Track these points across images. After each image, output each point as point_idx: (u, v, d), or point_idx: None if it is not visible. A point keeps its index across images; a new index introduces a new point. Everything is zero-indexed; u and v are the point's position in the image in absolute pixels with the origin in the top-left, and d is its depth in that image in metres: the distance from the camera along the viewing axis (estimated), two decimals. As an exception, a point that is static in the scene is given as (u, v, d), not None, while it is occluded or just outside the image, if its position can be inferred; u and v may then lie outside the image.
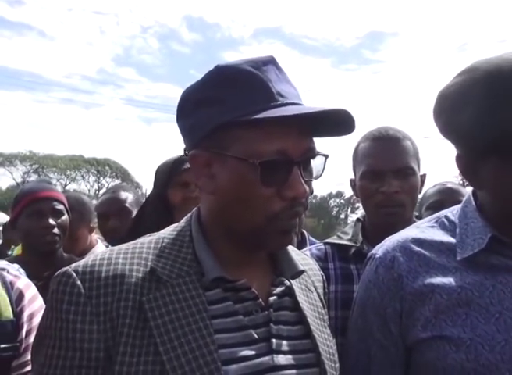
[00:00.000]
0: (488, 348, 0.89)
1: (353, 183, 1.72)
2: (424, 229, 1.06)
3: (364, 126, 1.71)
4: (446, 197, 2.16)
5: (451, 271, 0.97)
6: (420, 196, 2.32)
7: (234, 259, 0.90)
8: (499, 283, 0.93)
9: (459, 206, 1.06)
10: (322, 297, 1.06)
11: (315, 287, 1.05)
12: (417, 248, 1.02)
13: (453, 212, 1.07)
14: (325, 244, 1.71)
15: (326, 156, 0.89)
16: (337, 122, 0.84)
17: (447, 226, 1.04)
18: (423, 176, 1.67)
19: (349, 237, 1.68)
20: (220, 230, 0.89)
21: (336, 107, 0.81)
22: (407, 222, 1.61)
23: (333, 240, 1.72)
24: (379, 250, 1.08)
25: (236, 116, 0.81)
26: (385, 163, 1.57)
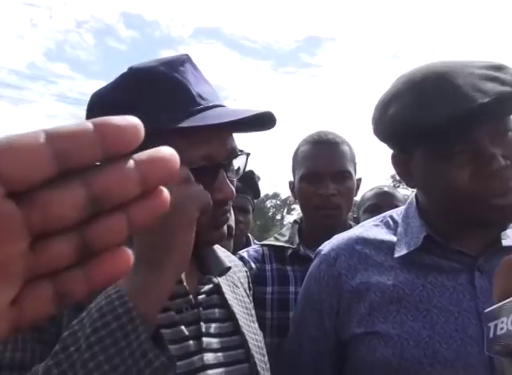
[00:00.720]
0: (413, 344, 0.93)
1: (292, 185, 1.75)
2: (368, 228, 1.10)
3: (302, 129, 1.74)
4: (382, 200, 2.23)
5: (387, 269, 1.01)
6: (357, 199, 2.39)
7: None
8: (429, 283, 0.97)
9: (405, 207, 1.11)
10: (248, 292, 1.08)
11: (241, 283, 1.06)
12: (359, 247, 1.06)
13: (397, 212, 1.12)
14: (263, 245, 1.73)
15: (248, 154, 0.89)
16: (258, 120, 0.83)
17: (391, 226, 1.08)
18: (358, 180, 1.72)
19: (286, 238, 1.70)
20: None
21: (259, 111, 0.81)
22: (342, 224, 1.66)
23: (270, 242, 1.73)
24: (326, 247, 1.12)
25: (159, 124, 0.76)
26: (324, 166, 1.61)
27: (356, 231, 1.11)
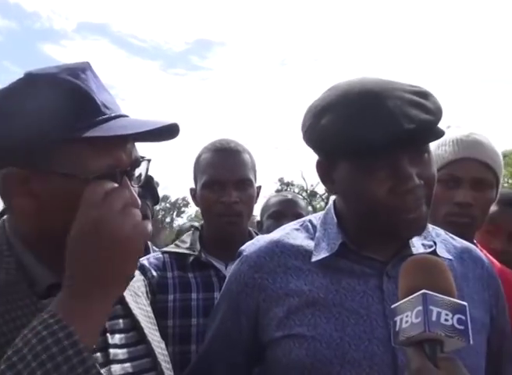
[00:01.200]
0: (325, 345, 0.99)
1: (193, 192, 1.75)
2: (289, 231, 1.14)
3: (192, 132, 1.76)
4: (285, 208, 2.29)
5: (304, 273, 1.05)
6: (262, 203, 2.45)
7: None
8: (342, 287, 1.03)
9: (323, 212, 1.16)
10: (148, 302, 1.09)
11: (142, 292, 1.06)
12: (279, 250, 1.09)
13: (316, 217, 1.17)
14: (163, 253, 1.72)
15: (149, 160, 0.90)
16: (162, 130, 0.84)
17: (310, 230, 1.13)
18: (258, 188, 1.77)
19: (187, 245, 1.71)
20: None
21: (166, 122, 0.83)
22: (243, 231, 1.70)
23: (171, 248, 1.73)
24: (248, 247, 1.14)
25: (61, 133, 0.77)
26: (227, 174, 1.63)
27: (277, 234, 1.14)
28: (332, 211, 1.12)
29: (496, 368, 1.13)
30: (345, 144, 0.97)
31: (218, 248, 1.68)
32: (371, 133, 0.93)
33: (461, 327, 0.76)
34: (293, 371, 1.00)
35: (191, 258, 1.65)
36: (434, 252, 1.07)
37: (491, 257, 1.60)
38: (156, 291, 1.59)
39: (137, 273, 1.12)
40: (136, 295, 1.02)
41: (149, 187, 2.31)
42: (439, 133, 0.99)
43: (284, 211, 2.27)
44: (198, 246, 1.69)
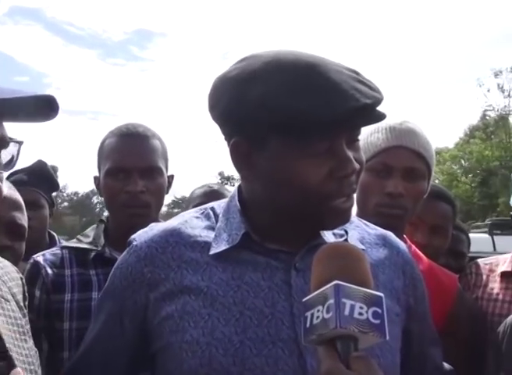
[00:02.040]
0: (222, 352, 0.87)
1: (97, 181, 1.60)
2: (188, 219, 1.01)
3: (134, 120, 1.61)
4: (211, 199, 2.17)
5: (202, 267, 0.93)
6: (187, 195, 2.32)
7: None
8: (244, 283, 0.92)
9: (227, 200, 1.04)
10: (22, 304, 0.95)
11: (13, 295, 0.93)
12: (173, 239, 0.96)
13: (220, 204, 1.04)
14: (63, 248, 1.56)
15: (20, 143, 0.77)
16: (36, 107, 0.71)
17: (211, 219, 1.01)
18: (170, 177, 1.64)
19: (89, 240, 1.56)
20: None
21: (32, 93, 0.70)
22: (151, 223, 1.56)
23: (71, 243, 1.58)
24: (138, 237, 1.01)
25: None
26: (132, 161, 1.49)
27: (174, 222, 1.01)
28: (236, 198, 0.99)
29: (419, 354, 1.08)
30: (285, 118, 0.83)
31: (123, 243, 1.53)
32: (318, 107, 0.82)
33: (377, 322, 0.69)
34: None
35: (93, 253, 1.50)
36: (345, 241, 0.98)
37: (419, 252, 1.56)
38: (51, 291, 1.44)
39: (13, 270, 0.99)
40: (4, 300, 0.89)
41: (41, 173, 2.15)
42: (383, 115, 0.90)
43: (209, 202, 2.15)
44: (102, 240, 1.54)
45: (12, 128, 0.75)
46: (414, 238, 1.66)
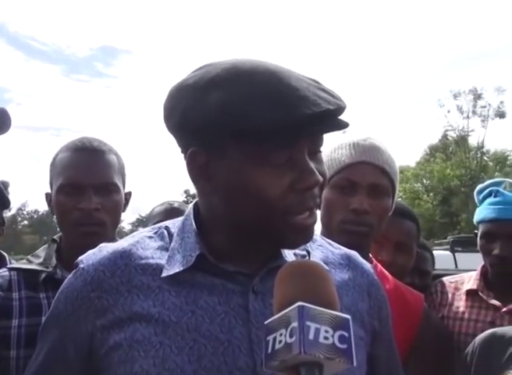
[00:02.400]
0: None
1: (49, 197, 1.52)
2: (139, 239, 0.94)
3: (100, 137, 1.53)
4: (170, 217, 2.10)
5: (154, 291, 0.86)
6: (145, 213, 2.24)
7: None
8: (199, 308, 0.85)
9: (182, 218, 0.97)
10: None
11: None
12: (123, 262, 0.89)
13: (175, 223, 0.98)
14: (11, 269, 1.46)
15: None
16: None
17: (165, 239, 0.94)
18: (128, 194, 1.57)
19: (40, 260, 1.46)
20: None
21: None
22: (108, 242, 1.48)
23: (20, 264, 1.48)
24: (86, 259, 0.93)
25: None
26: (86, 177, 1.42)
27: (124, 243, 0.93)
28: (192, 216, 0.93)
29: None
30: (245, 124, 0.78)
31: (76, 264, 1.45)
32: (278, 112, 0.78)
33: (343, 346, 0.64)
34: None
35: (43, 275, 1.40)
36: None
37: (385, 271, 1.53)
38: (-3, 316, 1.33)
39: None
40: None
41: None
42: (345, 124, 0.85)
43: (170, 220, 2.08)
44: (54, 261, 1.44)
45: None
46: (379, 257, 1.64)
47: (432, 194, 22.26)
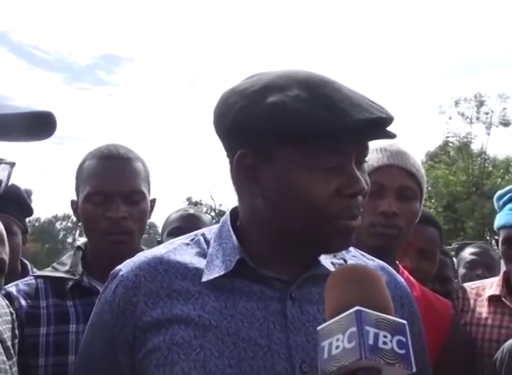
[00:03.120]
0: None
1: (75, 205, 1.52)
2: (177, 246, 0.95)
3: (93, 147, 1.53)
4: (187, 223, 2.13)
5: (194, 296, 0.88)
6: (154, 221, 2.26)
7: None
8: (238, 313, 0.86)
9: (219, 225, 0.98)
10: (9, 343, 0.90)
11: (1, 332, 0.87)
12: (163, 268, 0.90)
13: (211, 230, 0.98)
14: (37, 277, 1.46)
15: (12, 164, 0.72)
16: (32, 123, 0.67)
17: (202, 245, 0.95)
18: (153, 201, 1.57)
19: (66, 268, 1.47)
20: None
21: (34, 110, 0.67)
22: (134, 251, 1.48)
23: (47, 272, 1.48)
24: (125, 267, 0.94)
25: None
26: (114, 185, 1.42)
27: (162, 250, 0.94)
28: (229, 223, 0.94)
29: None
30: (297, 126, 0.80)
31: (103, 272, 1.44)
32: (332, 116, 0.80)
33: (402, 351, 0.64)
34: None
35: (70, 283, 1.41)
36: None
37: (412, 278, 1.53)
38: (25, 324, 1.33)
39: (4, 304, 0.91)
40: None
41: (13, 197, 1.99)
42: (394, 134, 0.88)
43: (186, 226, 2.08)
44: (80, 269, 1.45)
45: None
46: (402, 263, 1.64)
47: (435, 200, 22.22)
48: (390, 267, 1.06)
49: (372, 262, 1.03)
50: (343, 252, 0.97)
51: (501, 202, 1.91)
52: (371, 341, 0.62)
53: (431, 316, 1.42)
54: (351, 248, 1.02)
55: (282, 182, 0.85)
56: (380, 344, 0.63)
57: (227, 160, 0.92)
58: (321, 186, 0.83)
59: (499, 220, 1.89)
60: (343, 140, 0.83)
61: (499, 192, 1.96)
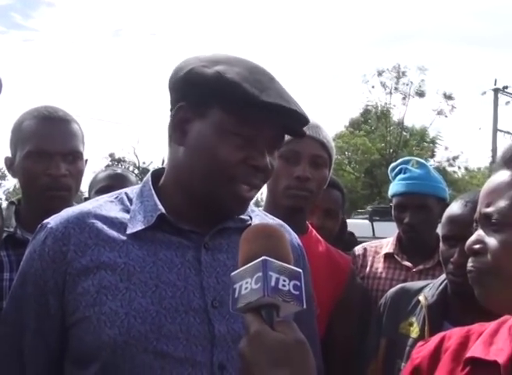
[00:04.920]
0: (140, 320, 0.95)
1: (10, 161, 1.59)
2: (102, 203, 1.08)
3: (10, 97, 1.59)
4: (114, 182, 2.20)
5: (119, 244, 1.01)
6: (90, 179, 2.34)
7: None
8: (159, 259, 1.00)
9: (140, 185, 1.12)
10: None
11: None
12: (90, 221, 1.02)
13: (133, 190, 1.12)
14: None
15: None
16: None
17: (125, 203, 1.08)
18: (85, 161, 1.67)
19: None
20: None
21: None
22: (69, 207, 1.58)
23: None
24: (53, 220, 1.05)
25: None
26: (55, 145, 1.52)
27: (88, 205, 1.07)
28: (150, 183, 1.09)
29: None
30: (232, 92, 0.98)
31: (36, 224, 1.54)
32: (261, 92, 0.98)
33: (297, 293, 0.78)
34: (104, 352, 0.95)
35: (5, 234, 1.48)
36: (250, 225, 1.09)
37: (319, 236, 1.74)
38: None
39: None
40: None
41: None
42: (303, 134, 1.10)
43: (113, 185, 2.16)
44: (14, 222, 1.54)
45: None
46: (310, 221, 1.83)
47: (355, 166, 23.01)
48: (287, 226, 1.24)
49: (273, 221, 1.21)
50: (249, 211, 1.13)
51: (393, 173, 2.17)
52: (272, 283, 0.77)
53: (333, 268, 1.66)
54: (255, 209, 1.21)
55: (204, 136, 1.02)
56: (280, 286, 0.77)
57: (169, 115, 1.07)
58: (232, 150, 1.00)
59: (391, 189, 2.16)
60: (261, 116, 1.00)
61: (392, 164, 2.22)
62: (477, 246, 0.90)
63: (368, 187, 21.67)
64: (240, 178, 1.01)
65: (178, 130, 1.05)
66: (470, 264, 0.92)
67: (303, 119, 1.05)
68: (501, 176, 0.91)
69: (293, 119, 1.03)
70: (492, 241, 0.88)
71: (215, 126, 1.01)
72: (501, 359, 0.88)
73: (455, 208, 1.48)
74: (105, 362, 0.95)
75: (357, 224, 5.96)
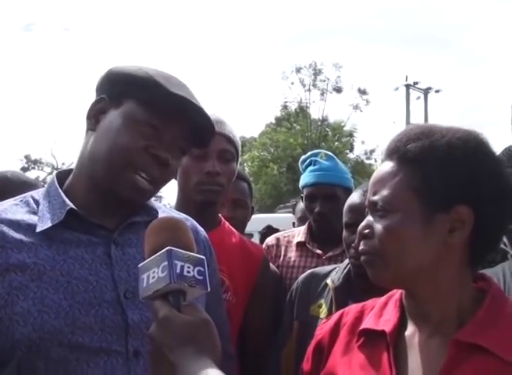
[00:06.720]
0: (53, 316, 0.97)
1: None
2: (7, 206, 1.08)
3: None
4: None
5: (27, 246, 1.01)
6: None
7: None
8: (69, 257, 1.03)
9: (45, 187, 1.14)
10: None
11: None
12: None
13: (39, 192, 1.13)
14: None
15: None
16: None
17: (31, 205, 1.09)
18: None
19: None
20: None
21: None
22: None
23: None
24: None
25: None
26: None
27: None
28: (56, 183, 1.12)
29: None
30: (142, 85, 1.08)
31: None
32: (164, 89, 1.08)
33: (201, 277, 0.84)
34: (18, 350, 0.96)
35: None
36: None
37: (231, 227, 1.79)
38: None
39: None
40: None
41: None
42: (207, 143, 1.22)
43: None
44: None
45: None
46: (221, 213, 1.88)
47: (277, 162, 23.36)
48: (192, 219, 1.29)
49: (178, 215, 1.26)
50: (155, 206, 1.19)
51: (304, 166, 2.26)
52: (178, 271, 0.82)
53: (247, 257, 1.73)
54: (161, 205, 1.27)
55: (112, 122, 1.09)
56: (185, 273, 0.83)
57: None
58: (136, 137, 1.07)
59: (302, 180, 2.25)
60: (170, 109, 1.08)
61: (303, 157, 2.31)
62: (366, 231, 1.00)
63: (292, 182, 22.13)
64: (138, 165, 1.06)
65: (92, 119, 1.12)
66: (361, 247, 1.01)
67: (209, 124, 1.13)
68: (385, 166, 1.01)
69: (199, 118, 1.11)
70: (377, 226, 0.97)
71: (125, 114, 1.08)
72: (388, 328, 0.99)
73: (355, 197, 1.59)
74: (21, 360, 0.96)
75: (281, 218, 6.13)
